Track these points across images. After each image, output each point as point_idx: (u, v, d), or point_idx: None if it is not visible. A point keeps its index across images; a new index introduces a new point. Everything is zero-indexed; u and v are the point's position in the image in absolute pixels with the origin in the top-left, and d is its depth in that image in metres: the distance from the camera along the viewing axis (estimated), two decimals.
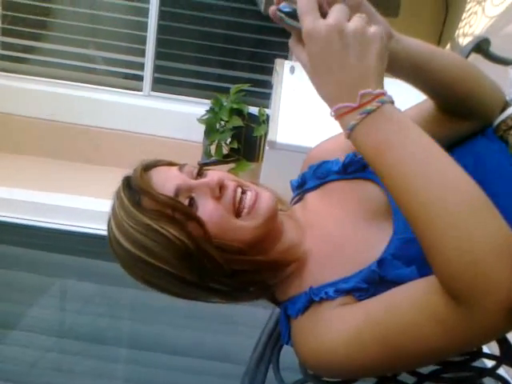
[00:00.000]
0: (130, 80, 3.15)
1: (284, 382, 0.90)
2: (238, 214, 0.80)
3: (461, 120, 0.87)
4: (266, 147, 2.33)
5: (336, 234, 0.84)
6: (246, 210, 0.80)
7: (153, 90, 3.11)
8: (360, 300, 0.74)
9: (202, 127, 2.72)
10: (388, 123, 0.63)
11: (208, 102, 2.77)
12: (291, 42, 0.70)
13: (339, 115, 0.65)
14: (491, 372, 0.86)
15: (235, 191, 0.80)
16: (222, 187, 0.79)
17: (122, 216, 0.80)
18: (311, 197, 0.94)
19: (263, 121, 2.66)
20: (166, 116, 3.02)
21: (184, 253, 0.77)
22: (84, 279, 1.97)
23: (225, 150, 2.73)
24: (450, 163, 0.62)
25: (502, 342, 0.89)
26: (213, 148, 2.73)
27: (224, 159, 2.70)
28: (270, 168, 2.24)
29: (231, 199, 0.80)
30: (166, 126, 3.00)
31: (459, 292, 0.59)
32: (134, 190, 0.80)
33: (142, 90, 3.10)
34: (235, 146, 2.68)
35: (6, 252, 2.17)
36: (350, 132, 0.65)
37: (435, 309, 0.62)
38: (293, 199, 1.01)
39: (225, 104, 2.66)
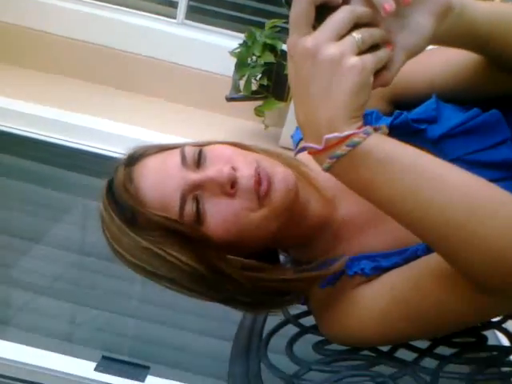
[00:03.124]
0: (164, 6, 3.09)
1: (289, 312, 0.91)
2: (261, 204, 0.69)
3: None
4: None
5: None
6: (261, 195, 0.68)
7: (187, 18, 3.05)
8: None
9: (234, 61, 2.68)
10: (367, 163, 0.56)
11: (242, 35, 2.72)
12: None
13: (310, 153, 0.58)
14: (497, 325, 0.89)
15: (255, 179, 0.67)
16: (234, 181, 0.67)
17: (117, 234, 0.70)
18: None
19: None
20: (197, 46, 2.97)
21: (196, 277, 0.69)
22: None
23: (254, 86, 2.70)
24: (449, 178, 0.57)
25: None
26: (242, 83, 2.70)
27: (252, 95, 2.68)
28: None
29: (249, 190, 0.68)
30: (196, 57, 2.96)
31: (490, 286, 0.59)
32: (122, 206, 0.69)
33: (175, 18, 3.05)
34: (265, 82, 2.65)
35: (34, 169, 2.22)
36: (326, 171, 0.58)
37: (463, 291, 0.62)
38: (299, 140, 0.93)
39: (258, 38, 2.61)
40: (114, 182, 0.71)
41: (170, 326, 1.56)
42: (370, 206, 0.71)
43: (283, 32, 2.68)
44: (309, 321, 0.90)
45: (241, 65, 2.66)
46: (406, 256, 0.72)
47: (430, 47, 0.61)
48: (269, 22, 2.65)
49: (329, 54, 0.53)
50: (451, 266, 0.61)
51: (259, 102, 2.69)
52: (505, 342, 0.88)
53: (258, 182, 0.68)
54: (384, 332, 0.72)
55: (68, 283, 1.73)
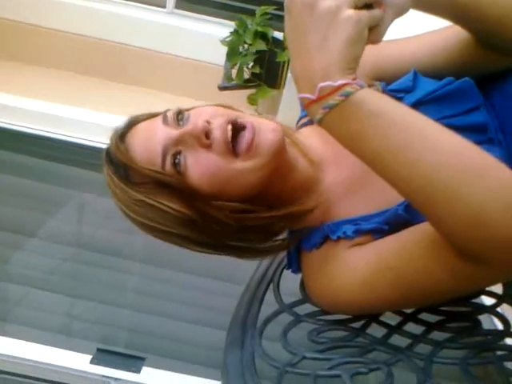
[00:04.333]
0: None
1: (283, 301, 0.92)
2: (235, 154, 0.72)
3: (499, 55, 0.79)
4: (289, 74, 2.30)
5: (360, 168, 0.76)
6: (243, 148, 0.71)
7: (176, 7, 3.03)
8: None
9: (225, 50, 2.67)
10: (358, 115, 0.57)
11: (232, 23, 2.70)
12: None
13: (304, 105, 0.60)
14: (490, 309, 0.89)
15: (224, 128, 0.71)
16: (208, 132, 0.71)
17: (117, 192, 0.76)
18: None
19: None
20: (188, 35, 2.96)
21: (188, 222, 0.73)
22: (104, 195, 1.99)
23: (246, 75, 2.69)
24: (439, 137, 0.58)
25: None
26: (234, 72, 2.68)
27: (245, 84, 2.67)
28: (292, 96, 2.19)
29: (222, 140, 0.71)
30: (187, 46, 2.95)
31: (470, 252, 0.59)
32: (116, 164, 0.75)
33: (165, 7, 3.03)
34: (257, 70, 2.64)
35: (30, 163, 2.20)
36: (318, 124, 0.60)
37: (446, 257, 0.63)
38: (300, 119, 0.96)
39: (249, 26, 2.59)
40: (109, 146, 0.78)
41: (166, 317, 1.56)
42: (355, 173, 0.77)
43: (274, 19, 2.67)
44: (303, 310, 0.90)
45: (232, 53, 2.65)
46: (386, 216, 0.73)
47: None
48: (260, 9, 2.63)
49: (326, 6, 0.56)
50: (434, 227, 0.61)
51: (252, 91, 2.68)
52: (499, 326, 0.87)
53: (233, 132, 0.71)
54: (368, 297, 0.72)
55: (63, 276, 1.73)
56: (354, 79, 0.57)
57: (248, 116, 0.76)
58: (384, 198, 0.74)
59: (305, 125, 0.93)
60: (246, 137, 0.71)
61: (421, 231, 0.67)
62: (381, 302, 0.73)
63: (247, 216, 0.75)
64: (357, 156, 0.62)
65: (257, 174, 0.73)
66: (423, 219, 0.69)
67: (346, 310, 0.79)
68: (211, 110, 0.75)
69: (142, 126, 0.78)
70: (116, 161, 0.75)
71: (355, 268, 0.73)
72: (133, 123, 0.79)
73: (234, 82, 2.66)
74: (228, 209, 0.74)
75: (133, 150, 0.75)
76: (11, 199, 2.00)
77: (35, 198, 2.03)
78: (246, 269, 1.01)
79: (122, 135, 0.77)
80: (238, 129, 0.72)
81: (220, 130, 0.71)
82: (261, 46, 2.56)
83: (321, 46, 0.57)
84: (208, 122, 0.72)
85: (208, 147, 0.71)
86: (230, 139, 0.71)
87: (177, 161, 0.72)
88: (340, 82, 0.56)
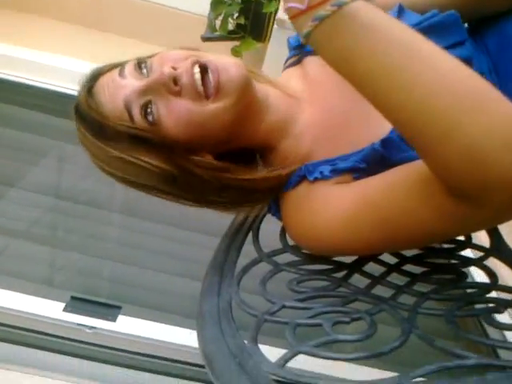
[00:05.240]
0: None
1: (262, 250, 0.89)
2: (206, 97, 0.70)
3: None
4: (275, 26, 2.23)
5: (339, 109, 0.77)
6: (212, 90, 0.70)
7: None
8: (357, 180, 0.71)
9: None
10: (351, 28, 0.52)
11: None
12: None
13: (291, 16, 0.54)
14: (477, 262, 0.86)
15: (191, 72, 0.70)
16: (176, 78, 0.69)
17: (92, 150, 0.74)
18: (312, 61, 0.84)
19: None
20: None
21: (169, 178, 0.72)
22: None
23: (231, 26, 2.60)
24: (440, 59, 0.53)
25: (493, 233, 0.88)
26: (218, 23, 2.59)
27: (229, 35, 2.58)
28: (278, 49, 2.12)
29: (191, 84, 0.70)
30: None
31: (462, 191, 0.54)
32: (89, 121, 0.73)
33: None
34: (242, 21, 2.54)
35: (8, 111, 2.12)
36: (306, 39, 0.54)
37: (434, 197, 0.58)
38: (287, 60, 0.92)
39: None
40: (79, 102, 0.75)
41: (145, 267, 1.53)
42: (334, 114, 0.75)
43: None
44: (282, 259, 0.86)
45: (217, 3, 2.54)
46: (363, 154, 0.71)
47: None
48: None
49: None
50: (425, 161, 0.56)
51: (236, 43, 2.59)
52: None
53: (202, 74, 0.69)
54: (350, 236, 0.69)
55: (44, 227, 1.68)
56: None
57: (209, 55, 0.73)
58: (362, 137, 0.71)
59: (291, 66, 0.89)
60: (211, 78, 0.69)
61: (408, 170, 0.63)
62: (363, 243, 0.69)
63: (226, 176, 0.74)
64: (346, 78, 0.56)
65: (230, 113, 0.71)
66: (401, 156, 0.67)
67: (325, 248, 0.75)
68: (174, 55, 0.73)
69: (104, 79, 0.75)
70: (88, 118, 0.73)
71: (337, 206, 0.70)
72: (97, 75, 0.77)
73: (217, 33, 2.56)
74: (206, 166, 0.72)
75: (103, 105, 0.72)
76: None
77: (15, 148, 1.96)
78: (226, 222, 0.98)
79: (89, 89, 0.75)
80: (203, 70, 0.70)
81: (187, 75, 0.70)
82: None
83: None
84: (174, 68, 0.70)
85: (178, 94, 0.70)
86: (199, 82, 0.70)
87: (148, 110, 0.70)
88: None
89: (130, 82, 0.71)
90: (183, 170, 0.71)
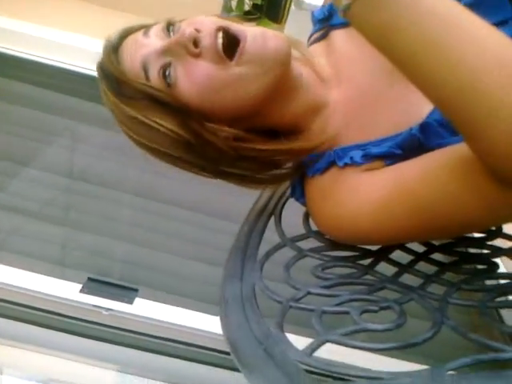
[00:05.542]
0: None
1: (285, 234, 0.87)
2: (229, 59, 0.66)
3: None
4: (292, 6, 2.19)
5: (369, 87, 0.73)
6: (236, 54, 0.65)
7: None
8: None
9: None
10: (391, 1, 0.49)
11: None
12: None
13: None
14: (508, 252, 0.84)
15: (214, 35, 0.65)
16: (197, 39, 0.66)
17: (113, 109, 0.72)
18: (339, 36, 0.80)
19: None
20: None
21: (183, 144, 0.69)
22: (101, 127, 1.91)
23: (247, 6, 2.56)
24: (488, 34, 0.50)
25: None
26: (234, 3, 2.56)
27: (244, 16, 2.54)
28: (295, 30, 2.09)
29: (211, 46, 0.65)
30: None
31: (507, 174, 0.51)
32: (109, 77, 0.71)
33: None
34: (258, 2, 2.51)
35: (24, 90, 2.09)
36: (345, 12, 0.52)
37: (478, 183, 0.55)
38: (312, 35, 0.88)
39: None
40: (102, 59, 0.73)
41: (162, 251, 1.51)
42: (365, 94, 0.70)
43: None
44: (306, 244, 0.84)
45: None
46: (399, 140, 0.67)
47: None
48: None
49: None
50: (469, 143, 0.53)
51: (252, 23, 2.56)
52: None
53: (227, 41, 0.65)
54: (381, 225, 0.66)
55: (58, 207, 1.67)
56: None
57: (244, 27, 0.68)
58: (395, 120, 0.68)
59: (315, 41, 0.86)
60: (239, 46, 0.65)
61: (448, 153, 0.60)
62: (395, 232, 0.66)
63: (243, 145, 0.70)
64: (385, 53, 0.53)
65: (257, 83, 0.66)
66: (439, 142, 0.64)
67: (350, 237, 0.72)
68: (204, 19, 0.68)
69: (133, 38, 0.73)
70: (108, 74, 0.71)
71: (366, 194, 0.66)
72: (125, 35, 0.75)
73: (233, 14, 2.53)
74: (222, 134, 0.69)
75: (123, 62, 0.71)
76: (4, 127, 1.92)
77: (29, 127, 1.95)
78: (243, 208, 0.95)
79: (115, 47, 0.73)
80: (231, 39, 0.66)
81: (209, 37, 0.65)
82: None
83: None
84: (197, 30, 0.66)
85: (197, 56, 0.66)
86: (220, 46, 0.65)
87: (167, 73, 0.68)
88: None
89: (153, 42, 0.69)
90: (197, 137, 0.68)
